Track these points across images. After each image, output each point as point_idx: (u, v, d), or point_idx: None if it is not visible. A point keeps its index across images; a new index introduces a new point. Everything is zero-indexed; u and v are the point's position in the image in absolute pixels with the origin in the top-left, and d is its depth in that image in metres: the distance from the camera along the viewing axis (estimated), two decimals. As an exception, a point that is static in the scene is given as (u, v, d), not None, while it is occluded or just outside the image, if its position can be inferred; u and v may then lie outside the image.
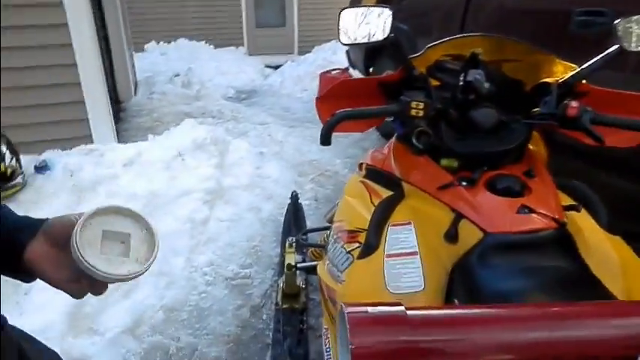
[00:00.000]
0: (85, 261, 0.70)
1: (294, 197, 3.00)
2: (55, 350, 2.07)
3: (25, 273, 0.75)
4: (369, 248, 1.32)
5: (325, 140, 1.22)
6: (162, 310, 2.31)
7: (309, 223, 3.03)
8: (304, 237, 2.29)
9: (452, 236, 1.18)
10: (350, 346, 0.65)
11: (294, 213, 2.90)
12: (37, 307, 2.17)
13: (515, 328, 0.72)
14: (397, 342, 0.67)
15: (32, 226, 0.74)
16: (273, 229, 3.02)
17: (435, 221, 1.27)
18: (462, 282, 1.13)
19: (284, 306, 2.25)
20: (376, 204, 1.43)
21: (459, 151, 1.28)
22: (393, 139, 1.54)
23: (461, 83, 1.29)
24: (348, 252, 1.39)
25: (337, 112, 1.20)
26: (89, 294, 0.76)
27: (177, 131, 3.83)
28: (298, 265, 2.19)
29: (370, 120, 1.41)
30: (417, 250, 1.27)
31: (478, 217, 1.14)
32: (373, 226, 1.35)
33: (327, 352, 1.64)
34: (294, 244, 2.25)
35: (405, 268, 1.25)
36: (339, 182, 3.72)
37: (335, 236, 1.55)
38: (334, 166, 4.09)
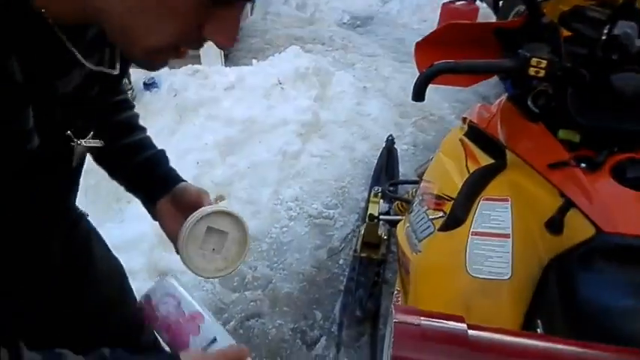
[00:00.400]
0: (186, 253, 0.77)
1: (390, 142, 2.84)
2: (143, 260, 2.20)
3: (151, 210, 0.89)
4: (454, 221, 1.17)
5: (418, 95, 1.05)
6: (244, 238, 2.37)
7: (403, 171, 2.88)
8: (391, 188, 2.16)
9: (555, 226, 0.99)
10: None
11: (388, 159, 2.75)
12: (135, 218, 2.34)
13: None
14: None
15: (171, 182, 0.88)
16: (364, 171, 2.92)
17: (538, 204, 1.08)
18: (558, 282, 0.95)
19: (362, 255, 2.19)
20: (471, 171, 1.25)
21: (584, 123, 1.04)
22: (504, 96, 1.32)
23: (604, 37, 1.03)
24: (431, 220, 1.25)
25: (436, 63, 1.02)
26: None
27: (281, 58, 3.76)
28: (381, 216, 2.09)
29: (477, 75, 1.19)
30: (510, 233, 1.10)
31: (593, 210, 0.93)
32: (463, 197, 1.19)
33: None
34: (379, 193, 2.14)
35: (492, 251, 1.09)
36: (442, 130, 3.44)
37: (420, 197, 1.41)
38: (440, 110, 3.78)
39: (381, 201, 2.32)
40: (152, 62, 0.60)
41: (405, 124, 3.59)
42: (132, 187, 0.92)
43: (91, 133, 0.71)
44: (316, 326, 1.95)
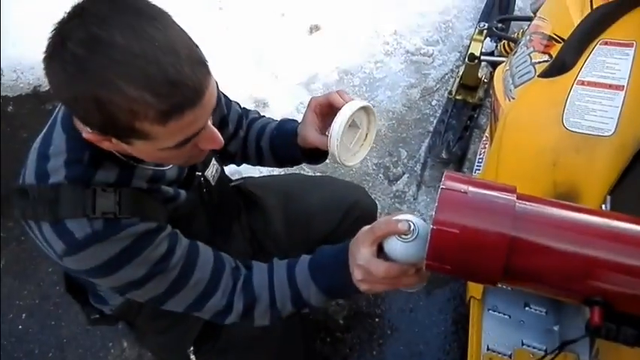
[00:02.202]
0: (337, 149, 0.84)
1: (510, -32, 2.43)
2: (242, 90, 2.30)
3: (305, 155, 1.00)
4: (560, 66, 1.04)
5: None
6: (337, 72, 2.33)
7: (521, 5, 2.52)
8: (500, 25, 1.92)
9: (683, 80, 0.84)
10: (432, 226, 0.55)
11: (504, -11, 2.40)
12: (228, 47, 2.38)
13: None
14: (493, 234, 0.54)
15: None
16: (474, 4, 2.59)
17: (669, 51, 0.91)
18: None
19: (457, 97, 2.08)
20: (595, 6, 1.06)
21: None
22: None
23: None
24: (533, 63, 1.12)
25: None
26: None
27: None
28: (482, 57, 1.91)
29: None
30: (625, 85, 0.96)
31: None
32: (577, 38, 1.03)
33: (478, 162, 1.52)
34: (484, 30, 1.92)
35: (598, 103, 0.97)
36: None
37: (529, 37, 1.24)
38: None
39: (488, 39, 2.10)
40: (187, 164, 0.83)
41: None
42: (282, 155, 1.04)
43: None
44: (400, 164, 1.97)
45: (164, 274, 0.74)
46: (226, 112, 1.01)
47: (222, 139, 0.72)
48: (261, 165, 1.11)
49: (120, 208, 0.70)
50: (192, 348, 1.00)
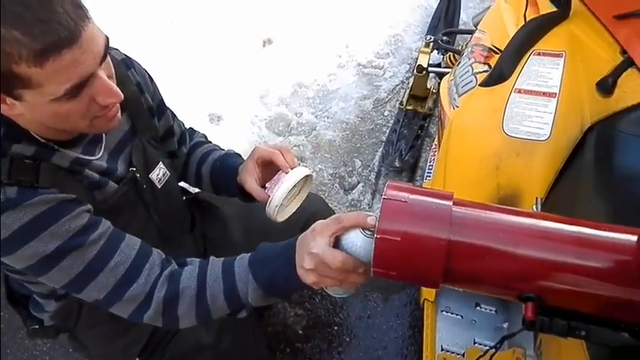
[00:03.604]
0: (275, 212, 0.91)
1: (455, -17, 2.55)
2: (196, 106, 2.27)
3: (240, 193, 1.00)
4: (498, 76, 1.10)
5: None
6: (290, 85, 2.36)
7: (465, 19, 2.64)
8: (445, 38, 2.01)
9: (607, 87, 0.91)
10: (375, 235, 0.57)
11: (449, 4, 2.51)
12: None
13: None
14: (431, 239, 0.57)
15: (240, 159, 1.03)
16: (422, 19, 2.70)
17: (594, 61, 0.98)
18: (597, 148, 0.90)
19: (408, 107, 2.15)
20: (528, 20, 1.13)
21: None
22: None
23: None
24: (475, 74, 1.18)
25: None
26: None
27: None
28: (430, 68, 1.98)
29: None
30: (557, 92, 1.02)
31: (654, 71, 0.83)
32: (511, 50, 1.10)
33: (429, 169, 1.58)
34: (431, 43, 1.99)
35: (534, 110, 1.03)
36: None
37: (470, 48, 1.31)
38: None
39: (435, 52, 2.18)
40: (95, 130, 0.77)
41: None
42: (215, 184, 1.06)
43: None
44: (355, 173, 2.01)
45: (81, 250, 0.72)
46: (172, 123, 1.02)
47: (119, 92, 0.70)
48: (198, 188, 1.12)
49: (38, 178, 0.69)
50: (137, 359, 0.98)
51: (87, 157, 0.79)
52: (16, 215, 0.67)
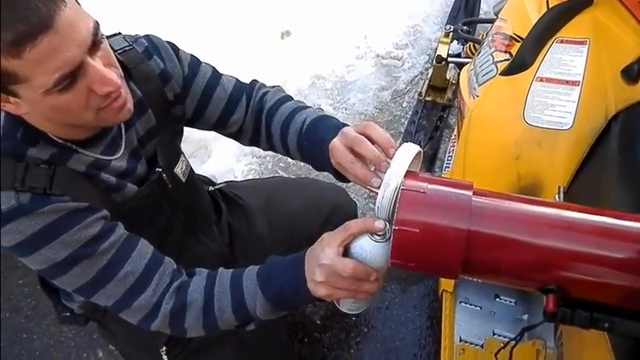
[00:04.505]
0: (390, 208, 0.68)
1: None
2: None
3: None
4: (519, 64, 1.08)
5: None
6: (309, 76, 2.35)
7: (486, 9, 2.59)
8: (465, 27, 1.98)
9: (633, 74, 0.89)
10: (394, 227, 0.56)
11: (469, -7, 2.47)
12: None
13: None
14: (451, 229, 0.56)
15: (335, 127, 0.82)
16: (441, 9, 2.66)
17: (619, 47, 0.96)
18: (622, 136, 0.88)
19: (427, 98, 2.12)
20: (551, 6, 1.11)
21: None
22: None
23: None
24: (495, 62, 1.16)
25: None
26: None
27: None
28: (449, 58, 1.96)
29: None
30: (581, 80, 1.00)
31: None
32: (534, 37, 1.08)
33: (447, 160, 1.56)
34: (450, 33, 1.97)
35: (556, 99, 1.02)
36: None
37: (491, 37, 1.29)
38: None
39: (455, 42, 2.15)
40: (105, 123, 0.74)
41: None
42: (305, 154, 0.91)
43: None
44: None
45: (91, 259, 0.72)
46: (186, 72, 0.91)
47: (116, 80, 0.67)
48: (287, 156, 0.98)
49: (51, 184, 0.69)
50: (164, 348, 0.99)
51: (106, 158, 0.78)
52: (29, 222, 0.67)
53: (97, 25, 0.65)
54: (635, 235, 0.55)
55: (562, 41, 1.03)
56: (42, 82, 0.61)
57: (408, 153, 0.66)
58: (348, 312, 0.80)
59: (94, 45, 0.64)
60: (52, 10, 0.58)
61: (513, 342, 0.66)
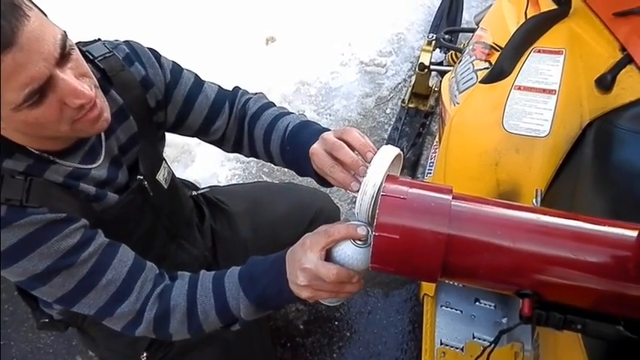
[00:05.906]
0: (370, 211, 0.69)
1: (457, -19, 2.55)
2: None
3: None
4: (498, 73, 1.10)
5: None
6: (293, 82, 2.37)
7: (468, 18, 2.64)
8: (447, 36, 2.01)
9: (606, 84, 0.92)
10: (374, 232, 0.57)
11: (451, 2, 2.51)
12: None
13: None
14: (430, 233, 0.57)
15: (316, 132, 0.82)
16: (424, 17, 2.70)
17: (593, 58, 0.99)
18: (596, 144, 0.91)
19: (410, 105, 2.15)
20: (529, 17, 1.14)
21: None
22: None
23: None
24: (475, 71, 1.19)
25: None
26: None
27: None
28: (432, 66, 1.99)
29: None
30: (557, 89, 1.03)
31: (652, 68, 0.84)
32: (512, 46, 1.10)
33: (429, 166, 1.58)
34: (433, 41, 2.00)
35: (534, 107, 1.04)
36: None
37: (471, 46, 1.31)
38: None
39: (437, 50, 2.19)
40: (82, 134, 0.73)
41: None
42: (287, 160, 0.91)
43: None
44: (357, 171, 2.02)
45: (71, 269, 0.71)
46: (194, 100, 0.92)
47: (89, 92, 0.65)
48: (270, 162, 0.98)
49: (28, 196, 0.67)
50: (145, 354, 0.99)
51: (85, 167, 0.77)
52: (6, 235, 0.66)
53: (64, 36, 0.63)
54: (609, 240, 0.56)
55: (539, 51, 1.06)
56: (10, 99, 0.60)
57: (386, 157, 0.67)
58: (327, 304, 0.82)
59: (63, 57, 0.62)
60: (15, 26, 0.56)
61: (490, 344, 0.67)
